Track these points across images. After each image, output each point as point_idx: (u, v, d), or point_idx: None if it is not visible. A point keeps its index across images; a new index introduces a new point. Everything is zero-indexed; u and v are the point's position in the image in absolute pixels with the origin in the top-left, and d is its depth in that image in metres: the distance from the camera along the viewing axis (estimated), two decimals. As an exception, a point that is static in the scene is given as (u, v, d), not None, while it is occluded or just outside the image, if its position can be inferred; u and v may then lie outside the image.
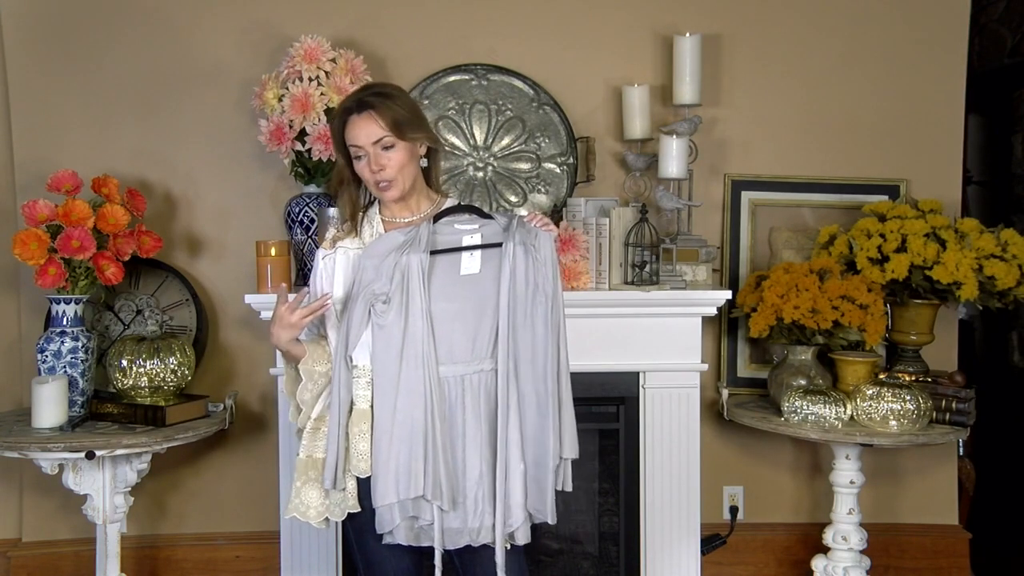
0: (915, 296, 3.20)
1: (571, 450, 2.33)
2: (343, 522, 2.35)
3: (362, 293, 2.23)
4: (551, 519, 2.29)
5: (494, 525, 2.23)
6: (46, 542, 3.42)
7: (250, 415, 3.43)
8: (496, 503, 2.22)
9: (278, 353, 3.12)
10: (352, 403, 2.28)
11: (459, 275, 2.24)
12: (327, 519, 2.33)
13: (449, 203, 2.39)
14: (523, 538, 2.27)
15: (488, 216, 2.31)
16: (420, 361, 2.19)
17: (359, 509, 2.29)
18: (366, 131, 2.23)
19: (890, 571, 3.57)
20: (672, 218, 3.38)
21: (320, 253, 2.36)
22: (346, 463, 2.26)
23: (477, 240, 2.26)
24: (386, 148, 2.24)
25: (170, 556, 3.47)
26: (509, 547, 2.28)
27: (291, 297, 2.30)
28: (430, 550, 2.26)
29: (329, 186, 2.42)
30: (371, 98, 2.23)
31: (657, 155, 3.30)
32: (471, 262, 2.25)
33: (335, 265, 2.33)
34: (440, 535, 2.22)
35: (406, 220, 2.34)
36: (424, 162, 2.34)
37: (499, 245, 2.25)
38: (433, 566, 2.25)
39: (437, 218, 2.29)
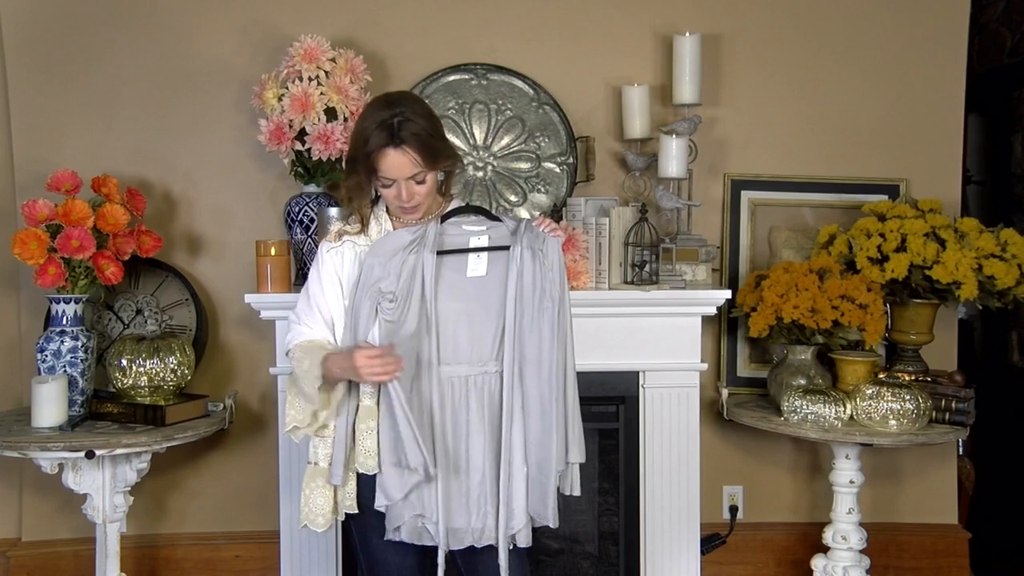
0: (915, 296, 3.20)
1: (578, 455, 2.35)
2: (346, 521, 2.36)
3: (369, 291, 2.23)
4: (553, 523, 2.29)
5: (497, 526, 2.23)
6: (46, 542, 3.42)
7: (250, 415, 3.43)
8: (500, 505, 2.22)
9: (279, 354, 3.12)
10: (359, 400, 2.28)
11: (466, 276, 2.24)
12: (336, 518, 2.35)
13: (455, 204, 2.39)
14: (524, 541, 2.28)
15: (495, 218, 2.32)
16: (425, 360, 2.20)
17: (356, 511, 2.30)
18: (400, 167, 2.20)
19: (890, 571, 3.57)
20: (672, 218, 3.38)
21: (325, 245, 2.33)
22: (352, 460, 2.27)
23: (484, 242, 2.26)
24: (419, 182, 2.24)
25: (170, 556, 3.47)
26: (511, 548, 2.27)
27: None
28: (433, 550, 2.26)
29: (340, 189, 2.37)
30: (406, 132, 2.18)
31: (657, 155, 3.30)
32: (478, 264, 2.25)
33: (343, 259, 2.31)
34: (444, 535, 2.22)
35: (413, 220, 2.33)
36: (441, 175, 2.34)
37: (506, 248, 2.25)
38: (435, 566, 2.25)
39: (444, 218, 2.29)
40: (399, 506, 2.23)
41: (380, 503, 2.23)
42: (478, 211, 2.33)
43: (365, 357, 2.12)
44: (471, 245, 2.26)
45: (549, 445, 2.26)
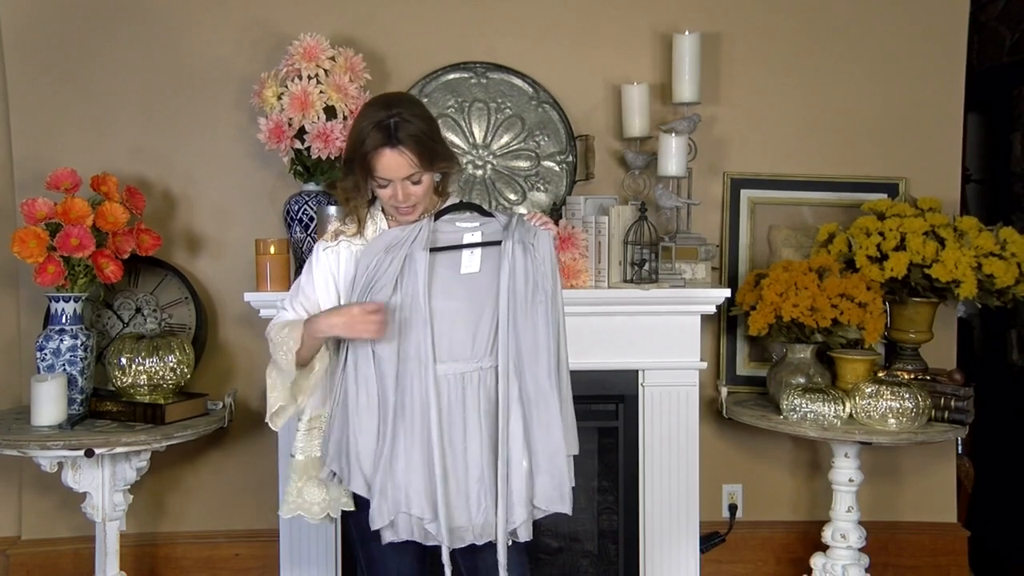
0: (914, 294, 3.20)
1: (572, 447, 2.35)
2: (346, 520, 2.36)
3: (362, 289, 2.23)
4: (568, 510, 2.28)
5: (496, 521, 2.23)
6: (45, 540, 3.42)
7: (249, 413, 3.43)
8: (498, 500, 2.22)
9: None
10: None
11: (459, 273, 2.25)
12: (329, 515, 2.37)
13: (450, 201, 2.39)
14: (525, 535, 2.28)
15: (489, 214, 2.32)
16: (418, 357, 2.20)
17: (352, 508, 2.31)
18: (397, 167, 2.20)
19: (889, 569, 3.57)
20: (671, 216, 3.38)
21: (321, 245, 2.34)
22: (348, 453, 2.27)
23: (477, 238, 2.27)
24: (415, 183, 2.24)
25: (169, 554, 3.47)
26: (511, 543, 2.27)
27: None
28: (432, 549, 2.26)
29: (337, 189, 2.37)
30: (403, 133, 2.18)
31: (656, 153, 3.30)
32: (471, 261, 2.26)
33: (339, 258, 2.31)
34: (447, 533, 2.22)
35: (410, 220, 2.33)
36: (437, 176, 2.33)
37: (499, 243, 2.26)
38: (435, 565, 2.25)
39: (439, 215, 2.29)
40: (380, 503, 2.22)
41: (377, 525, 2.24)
42: (471, 208, 2.33)
43: (364, 311, 2.16)
44: (465, 241, 2.26)
45: (555, 435, 2.26)
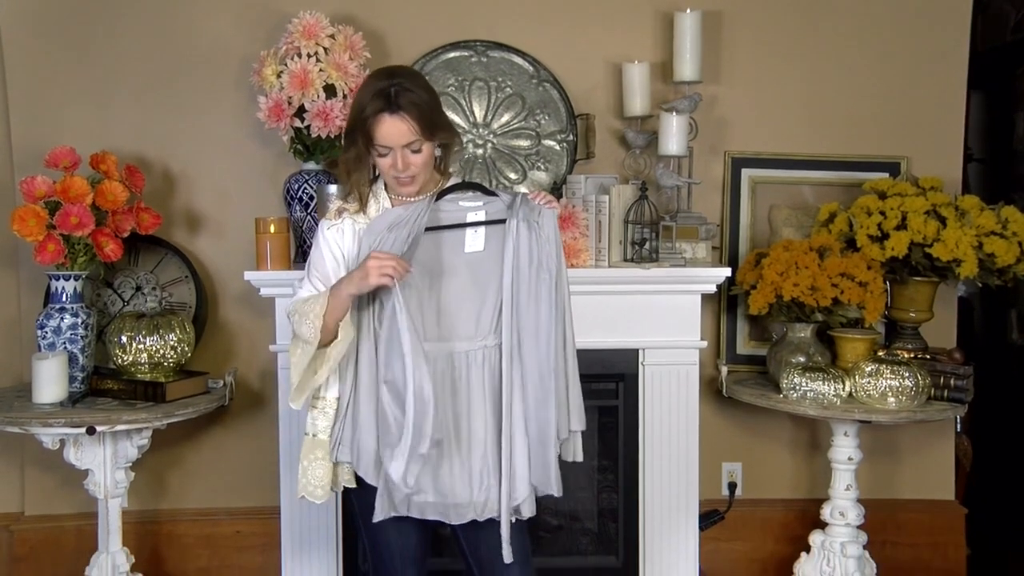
0: (915, 273, 3.20)
1: (579, 423, 2.37)
2: (347, 496, 2.37)
3: None
4: (556, 491, 2.30)
5: (500, 498, 2.24)
6: (48, 516, 3.44)
7: (250, 391, 3.44)
8: (501, 477, 2.23)
9: (278, 331, 3.12)
10: (356, 378, 2.29)
11: (464, 252, 2.25)
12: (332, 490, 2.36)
13: (452, 181, 2.38)
14: (528, 511, 2.29)
15: (492, 193, 2.32)
16: (414, 334, 2.20)
17: (355, 485, 2.31)
18: (398, 134, 2.19)
19: (887, 546, 3.58)
20: (672, 196, 3.38)
21: (325, 223, 2.33)
22: (355, 441, 2.27)
23: (481, 217, 2.27)
24: (415, 151, 2.23)
25: (171, 531, 3.49)
26: (514, 521, 2.28)
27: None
28: (434, 528, 2.26)
29: (339, 164, 2.35)
30: (404, 100, 2.18)
31: (657, 132, 3.29)
32: (475, 239, 2.26)
33: (343, 235, 2.30)
34: (437, 503, 2.22)
35: (411, 194, 2.33)
36: (438, 151, 2.33)
37: (503, 222, 2.25)
38: (438, 541, 2.25)
39: (441, 195, 2.29)
40: (395, 488, 2.22)
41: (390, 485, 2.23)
42: (474, 187, 2.33)
43: (376, 258, 2.14)
44: (468, 220, 2.26)
45: (548, 416, 2.27)
